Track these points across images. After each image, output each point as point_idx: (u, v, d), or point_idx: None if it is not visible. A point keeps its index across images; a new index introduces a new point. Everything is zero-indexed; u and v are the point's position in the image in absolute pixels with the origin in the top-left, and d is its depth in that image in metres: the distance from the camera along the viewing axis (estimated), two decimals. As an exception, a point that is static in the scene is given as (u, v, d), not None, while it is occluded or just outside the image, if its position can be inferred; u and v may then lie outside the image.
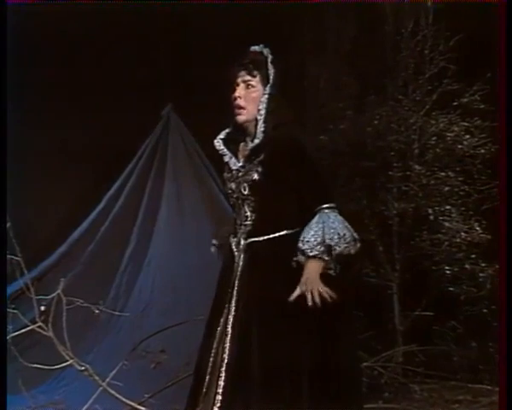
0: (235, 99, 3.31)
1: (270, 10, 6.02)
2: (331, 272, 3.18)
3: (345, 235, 3.17)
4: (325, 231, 3.15)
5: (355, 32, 6.34)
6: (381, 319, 6.06)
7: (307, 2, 6.27)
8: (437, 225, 5.95)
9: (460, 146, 5.99)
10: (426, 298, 5.97)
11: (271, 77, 3.32)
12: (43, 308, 5.07)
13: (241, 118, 3.32)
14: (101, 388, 4.98)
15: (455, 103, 6.01)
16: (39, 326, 5.05)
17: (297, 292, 3.15)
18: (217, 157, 3.47)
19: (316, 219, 3.19)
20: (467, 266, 5.90)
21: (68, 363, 5.02)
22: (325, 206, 3.22)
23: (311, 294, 3.12)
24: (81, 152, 6.32)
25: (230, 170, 3.37)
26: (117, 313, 5.85)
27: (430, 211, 5.95)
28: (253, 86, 3.31)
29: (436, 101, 6.06)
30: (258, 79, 3.31)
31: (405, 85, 6.16)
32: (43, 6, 5.88)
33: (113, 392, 4.99)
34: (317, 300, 3.11)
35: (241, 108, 3.30)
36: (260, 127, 3.28)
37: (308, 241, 3.15)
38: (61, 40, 6.17)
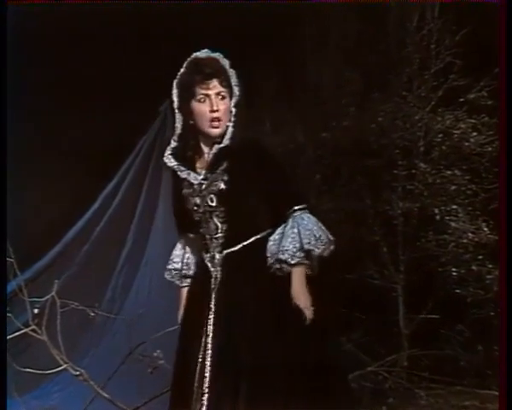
0: (213, 112, 3.18)
1: (270, 7, 5.94)
2: (309, 271, 3.16)
3: (320, 236, 3.15)
4: (302, 235, 3.12)
5: (358, 27, 6.24)
6: (386, 322, 5.98)
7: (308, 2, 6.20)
8: (443, 225, 5.88)
9: (467, 144, 5.91)
10: (431, 301, 5.88)
11: (235, 84, 3.24)
12: (36, 311, 5.04)
13: (217, 131, 3.20)
14: (96, 393, 4.92)
15: (461, 99, 5.93)
16: (33, 330, 5.00)
17: (306, 313, 3.13)
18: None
19: (290, 223, 3.15)
20: (474, 267, 5.82)
21: (62, 368, 4.97)
22: (296, 207, 3.17)
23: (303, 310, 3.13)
24: (77, 150, 6.30)
25: (191, 185, 3.26)
26: (113, 315, 5.80)
27: (436, 211, 5.88)
28: (224, 97, 3.20)
29: (442, 97, 5.98)
30: (227, 89, 3.21)
31: (410, 81, 6.08)
32: (43, 6, 5.89)
33: (108, 397, 4.93)
34: (309, 315, 3.12)
35: (219, 120, 3.19)
36: (228, 134, 3.20)
37: (287, 249, 3.12)
38: (61, 40, 6.14)
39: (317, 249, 3.12)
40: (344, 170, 6.13)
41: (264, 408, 3.05)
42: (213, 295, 3.22)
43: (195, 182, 3.24)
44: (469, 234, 5.80)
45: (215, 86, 3.18)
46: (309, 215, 3.17)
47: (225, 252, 3.23)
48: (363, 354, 5.82)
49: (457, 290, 5.83)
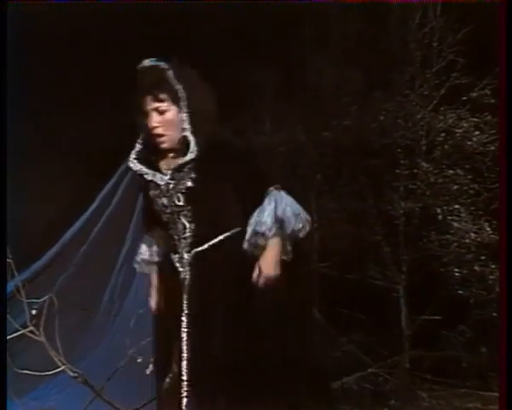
0: (153, 128, 3.18)
1: (270, 7, 5.90)
2: (285, 257, 3.15)
3: (300, 214, 3.14)
4: (278, 208, 3.10)
5: (359, 26, 6.19)
6: (387, 323, 5.94)
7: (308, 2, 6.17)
8: (445, 225, 5.84)
9: (469, 143, 5.87)
10: (434, 301, 5.83)
11: (180, 91, 3.17)
12: (34, 312, 4.94)
13: (164, 146, 3.21)
14: (95, 394, 4.86)
15: (464, 98, 5.89)
16: (30, 331, 4.91)
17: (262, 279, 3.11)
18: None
19: (266, 200, 3.13)
20: (476, 267, 5.77)
21: (60, 369, 4.89)
22: (272, 187, 3.15)
23: (260, 274, 3.09)
24: (77, 150, 6.25)
25: (157, 186, 3.24)
26: (112, 315, 5.73)
27: (438, 210, 5.84)
28: (164, 111, 3.17)
29: (444, 95, 5.94)
30: (167, 101, 3.16)
31: (412, 80, 6.03)
32: (43, 6, 5.85)
33: (107, 399, 4.86)
34: (260, 282, 3.08)
35: (161, 136, 3.18)
36: (192, 144, 3.15)
37: (265, 222, 3.09)
38: (61, 40, 6.10)
39: (294, 225, 3.09)
40: (345, 170, 6.10)
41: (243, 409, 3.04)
42: (184, 296, 3.20)
43: (162, 183, 3.22)
44: (472, 234, 5.76)
45: (150, 103, 3.17)
46: (286, 193, 3.16)
47: (194, 251, 3.21)
48: (364, 355, 5.79)
49: (460, 291, 5.78)
